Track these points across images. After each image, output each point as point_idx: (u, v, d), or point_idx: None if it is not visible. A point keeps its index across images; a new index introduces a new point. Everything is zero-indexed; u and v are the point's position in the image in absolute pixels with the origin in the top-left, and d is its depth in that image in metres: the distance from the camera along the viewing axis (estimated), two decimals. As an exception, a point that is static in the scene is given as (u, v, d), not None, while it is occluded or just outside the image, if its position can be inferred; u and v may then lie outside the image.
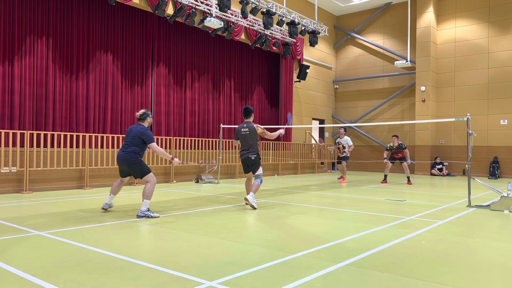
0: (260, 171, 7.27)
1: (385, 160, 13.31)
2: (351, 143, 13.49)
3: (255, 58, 17.13)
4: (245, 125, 7.32)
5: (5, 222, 5.55)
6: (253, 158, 7.19)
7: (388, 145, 13.16)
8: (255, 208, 6.96)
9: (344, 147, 13.38)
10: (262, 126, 7.45)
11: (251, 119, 7.45)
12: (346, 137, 13.47)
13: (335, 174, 17.37)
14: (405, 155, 12.95)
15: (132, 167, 6.34)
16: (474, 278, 3.43)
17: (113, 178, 10.94)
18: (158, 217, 6.18)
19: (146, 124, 6.50)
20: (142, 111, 6.52)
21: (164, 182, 12.09)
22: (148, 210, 6.20)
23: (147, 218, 6.05)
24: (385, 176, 13.35)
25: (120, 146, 11.05)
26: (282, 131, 7.63)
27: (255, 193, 7.08)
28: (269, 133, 7.45)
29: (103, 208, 6.64)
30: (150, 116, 6.56)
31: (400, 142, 12.97)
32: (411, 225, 5.72)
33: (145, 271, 3.47)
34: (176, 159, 6.54)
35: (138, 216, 6.12)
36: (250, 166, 7.25)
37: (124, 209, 6.89)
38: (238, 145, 7.59)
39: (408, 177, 12.89)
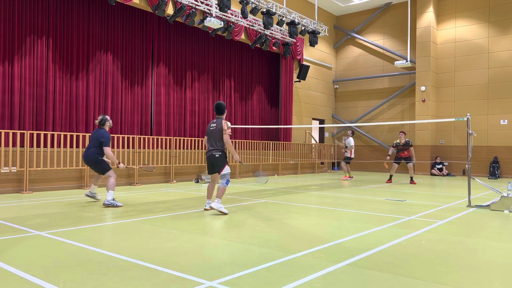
0: (226, 170, 6.61)
1: (388, 157, 13.14)
2: (352, 144, 14.09)
3: (255, 58, 17.13)
4: (214, 120, 6.74)
5: (5, 222, 5.55)
6: (217, 156, 6.55)
7: (395, 142, 12.99)
8: (225, 214, 6.41)
9: (346, 147, 14.05)
10: (230, 126, 6.67)
11: (223, 116, 6.79)
12: (350, 139, 14.13)
13: (335, 174, 17.38)
14: (410, 153, 12.79)
15: (95, 165, 7.45)
16: (474, 278, 3.43)
17: (113, 178, 10.94)
18: (122, 206, 7.13)
19: (106, 128, 7.53)
20: (100, 117, 7.53)
21: (164, 182, 12.09)
22: (114, 199, 7.17)
23: (114, 207, 7.00)
24: (391, 176, 13.24)
25: (120, 146, 11.13)
26: (236, 157, 6.74)
27: (221, 198, 6.46)
28: (228, 138, 6.57)
29: (87, 195, 7.79)
30: (109, 120, 7.59)
31: (407, 139, 12.82)
32: (411, 225, 5.72)
33: (145, 271, 3.47)
34: (121, 164, 7.47)
35: (105, 205, 7.08)
36: (214, 165, 6.64)
37: (124, 209, 6.89)
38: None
39: (411, 177, 12.84)
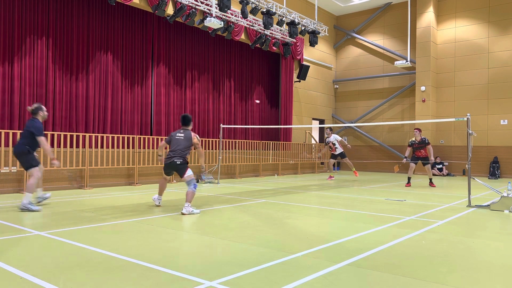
0: (189, 172, 6.80)
1: (404, 160, 12.01)
2: (340, 138, 13.90)
3: (255, 58, 17.13)
4: (182, 131, 7.03)
5: (5, 222, 5.55)
6: (178, 163, 6.78)
7: (410, 140, 12.00)
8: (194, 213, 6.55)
9: (334, 144, 13.79)
10: (199, 138, 7.08)
11: (189, 127, 7.15)
12: (333, 135, 13.90)
13: (335, 174, 17.36)
14: (428, 153, 11.74)
15: (21, 158, 6.71)
16: (474, 278, 3.43)
17: (113, 178, 10.95)
18: (40, 211, 6.49)
19: (39, 118, 6.85)
20: (35, 105, 6.89)
21: (164, 182, 12.08)
22: (30, 203, 6.50)
23: (29, 211, 6.39)
24: (409, 178, 11.95)
25: (120, 146, 11.14)
26: (203, 164, 7.40)
27: (190, 202, 6.53)
28: (200, 148, 7.20)
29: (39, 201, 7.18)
30: (44, 110, 6.91)
31: (423, 136, 11.83)
32: (411, 225, 5.72)
33: (145, 271, 3.47)
34: (56, 162, 6.82)
35: (21, 209, 6.46)
36: (176, 170, 6.88)
37: (124, 209, 6.89)
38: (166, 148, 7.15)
39: (430, 179, 11.97)
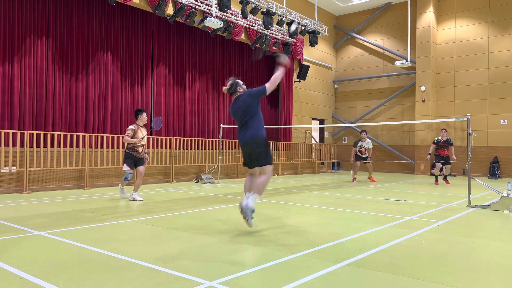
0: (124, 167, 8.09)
1: (429, 156, 12.72)
2: (372, 146, 13.92)
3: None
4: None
5: (5, 222, 5.55)
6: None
7: (436, 139, 12.80)
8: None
9: (366, 150, 13.76)
10: (129, 128, 7.91)
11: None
12: (368, 141, 13.83)
13: (335, 174, 17.37)
14: (450, 152, 12.53)
15: (255, 149, 5.21)
16: (474, 278, 3.43)
17: (113, 178, 10.94)
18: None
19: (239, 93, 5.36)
20: (229, 81, 5.36)
21: (164, 182, 12.09)
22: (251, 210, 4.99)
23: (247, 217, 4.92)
24: (436, 177, 12.80)
25: (120, 146, 11.12)
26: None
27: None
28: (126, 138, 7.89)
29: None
30: (241, 84, 5.35)
31: (448, 137, 12.60)
32: (411, 225, 5.72)
33: (145, 271, 3.47)
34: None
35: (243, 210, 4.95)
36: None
37: (124, 209, 6.90)
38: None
39: (445, 176, 12.91)
